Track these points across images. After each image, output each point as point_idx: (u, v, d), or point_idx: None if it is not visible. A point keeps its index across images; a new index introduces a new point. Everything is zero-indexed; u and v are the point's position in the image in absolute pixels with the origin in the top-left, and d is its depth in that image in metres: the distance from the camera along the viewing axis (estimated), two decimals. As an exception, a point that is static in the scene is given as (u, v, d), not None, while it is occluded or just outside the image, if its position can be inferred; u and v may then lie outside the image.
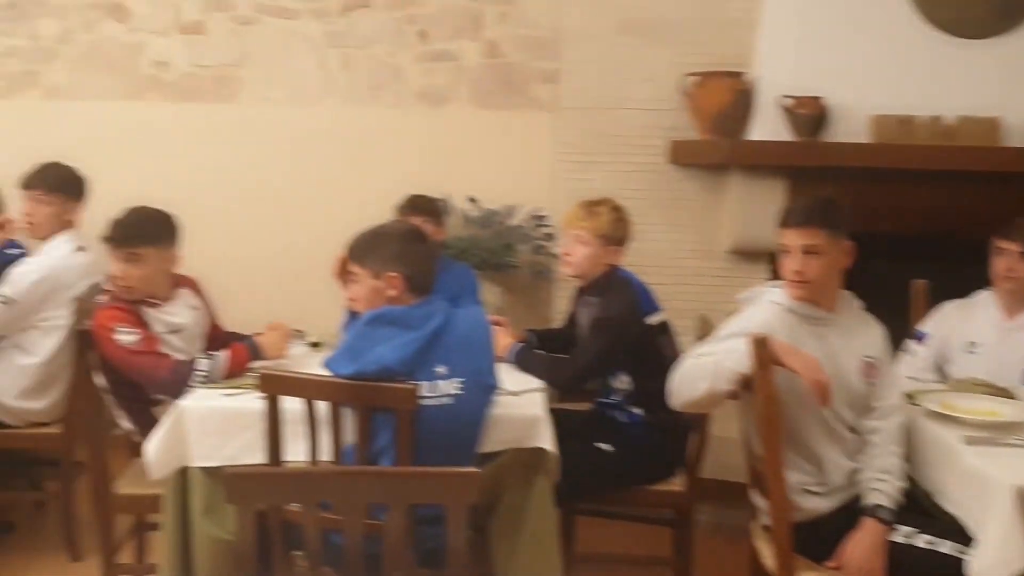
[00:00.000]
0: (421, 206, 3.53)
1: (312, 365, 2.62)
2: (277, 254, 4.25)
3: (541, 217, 4.11)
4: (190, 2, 4.22)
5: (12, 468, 3.46)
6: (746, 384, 2.33)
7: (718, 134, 3.92)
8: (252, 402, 2.41)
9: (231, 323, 3.22)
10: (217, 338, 3.09)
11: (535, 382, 2.72)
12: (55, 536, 3.32)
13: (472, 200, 4.11)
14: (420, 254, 2.38)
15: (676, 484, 2.87)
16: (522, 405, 2.52)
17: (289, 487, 1.70)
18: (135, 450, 2.79)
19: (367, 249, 2.37)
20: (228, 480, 1.63)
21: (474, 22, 4.21)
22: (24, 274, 3.11)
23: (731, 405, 2.56)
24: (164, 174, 4.12)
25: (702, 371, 2.37)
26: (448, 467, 1.76)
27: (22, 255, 3.39)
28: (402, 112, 4.25)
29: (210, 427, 2.49)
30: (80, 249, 3.25)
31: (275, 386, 2.27)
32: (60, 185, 3.26)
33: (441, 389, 2.24)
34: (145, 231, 2.81)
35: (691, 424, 2.82)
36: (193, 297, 3.05)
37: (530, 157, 4.19)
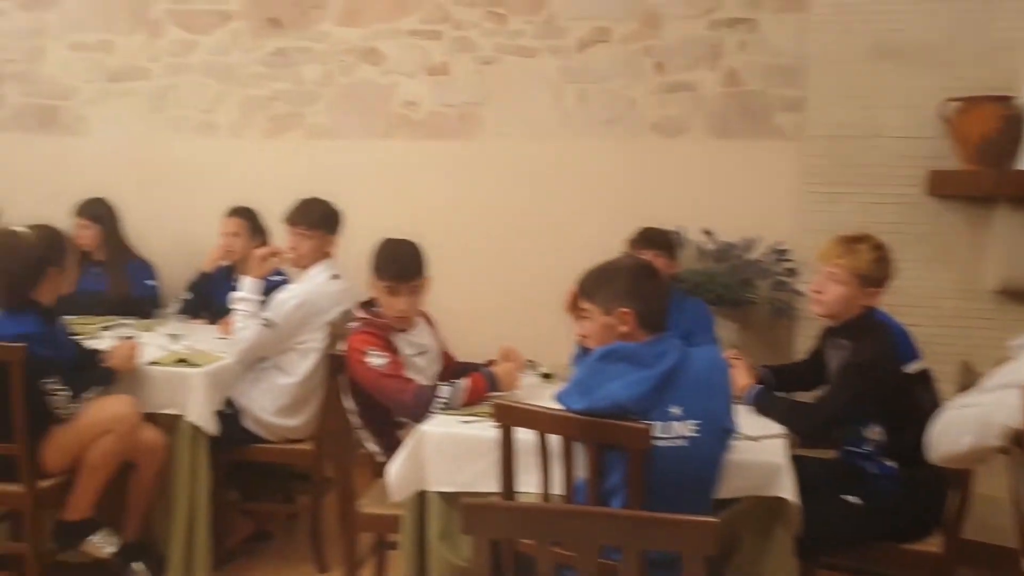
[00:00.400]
0: (653, 239, 3.50)
1: (543, 396, 2.65)
2: (513, 284, 4.34)
3: (783, 251, 3.94)
4: (437, 45, 4.43)
5: (269, 481, 3.72)
6: (1018, 440, 2.09)
7: (983, 163, 3.61)
8: (487, 431, 2.46)
9: (465, 350, 3.33)
10: (449, 367, 3.20)
11: (775, 427, 2.59)
12: (305, 547, 3.54)
13: (708, 233, 4.01)
14: (651, 290, 2.33)
15: (933, 544, 2.63)
16: (762, 451, 2.42)
17: (524, 522, 1.70)
18: (378, 470, 2.92)
19: (597, 285, 2.35)
20: (465, 511, 1.65)
21: (713, 51, 4.13)
22: (285, 300, 3.36)
23: (999, 459, 2.31)
24: (410, 208, 4.33)
25: (966, 424, 2.15)
26: (681, 511, 1.69)
27: (284, 282, 3.68)
28: (636, 144, 4.23)
29: (447, 453, 2.57)
30: (335, 277, 3.48)
31: (509, 417, 2.31)
32: (320, 221, 3.51)
33: (675, 430, 2.17)
34: (421, 264, 3.03)
35: (951, 480, 2.59)
36: (427, 326, 3.20)
37: (771, 188, 4.04)
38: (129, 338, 3.46)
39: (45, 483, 2.98)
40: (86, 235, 4.20)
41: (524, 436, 2.30)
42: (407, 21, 4.44)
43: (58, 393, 2.92)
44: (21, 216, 3.64)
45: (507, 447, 2.31)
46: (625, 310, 2.27)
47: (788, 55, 4.04)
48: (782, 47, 4.05)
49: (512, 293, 4.33)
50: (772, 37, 4.06)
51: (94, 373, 3.10)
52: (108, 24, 4.72)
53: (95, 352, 3.25)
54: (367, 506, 2.90)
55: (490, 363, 3.03)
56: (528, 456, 2.30)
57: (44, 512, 3.02)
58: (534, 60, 4.32)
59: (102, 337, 3.59)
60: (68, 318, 3.37)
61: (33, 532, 2.97)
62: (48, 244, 3.03)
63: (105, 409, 3.02)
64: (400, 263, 2.99)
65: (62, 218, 3.89)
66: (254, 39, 4.60)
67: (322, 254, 3.52)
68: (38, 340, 2.87)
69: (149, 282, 4.27)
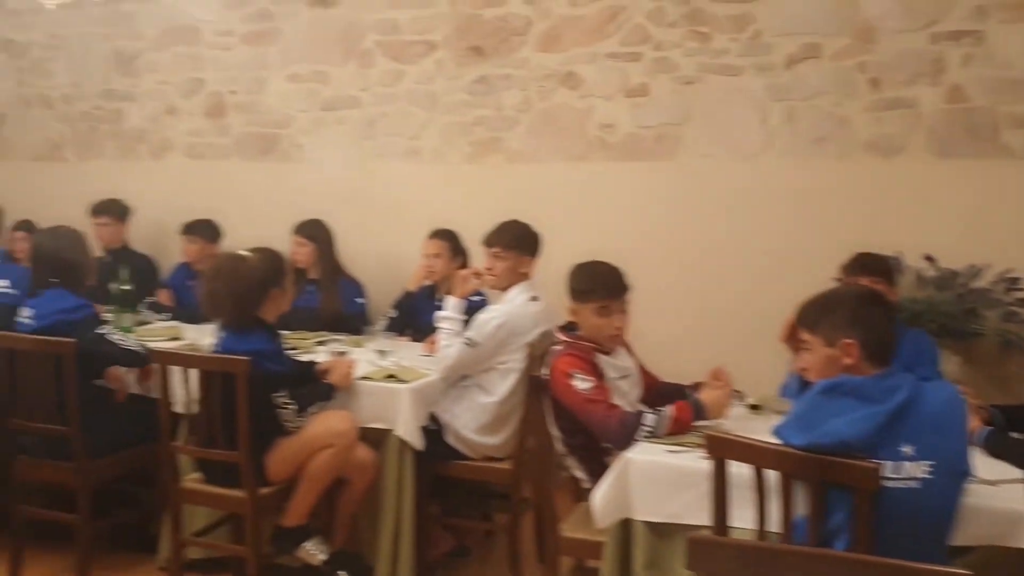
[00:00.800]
0: (869, 265, 3.32)
1: (751, 428, 2.56)
2: (713, 310, 4.24)
3: (1014, 280, 3.66)
4: (636, 66, 4.40)
5: (468, 497, 3.78)
6: None
7: None
8: (696, 461, 2.40)
9: (666, 375, 3.26)
10: (652, 387, 3.16)
11: (1014, 471, 2.38)
12: (502, 565, 3.57)
13: (929, 259, 3.78)
14: (878, 319, 2.22)
15: None
16: (1001, 497, 2.23)
17: (756, 561, 1.62)
18: (580, 494, 2.91)
19: (819, 315, 2.26)
20: (692, 546, 1.61)
21: (934, 66, 3.89)
22: (486, 320, 3.42)
23: None
24: (607, 229, 4.32)
25: None
26: (911, 558, 1.58)
27: (483, 303, 3.75)
28: (848, 164, 4.04)
29: (654, 482, 2.52)
30: (533, 299, 3.50)
31: (723, 450, 2.23)
32: (517, 243, 3.55)
33: (907, 471, 2.05)
34: (626, 281, 3.03)
35: None
36: (625, 349, 3.17)
37: (999, 211, 3.76)
38: (342, 354, 3.62)
39: (265, 490, 3.15)
40: (303, 253, 4.45)
41: (737, 469, 2.22)
42: (606, 44, 4.45)
43: (287, 407, 3.10)
44: (243, 238, 3.89)
45: (720, 480, 2.23)
46: (849, 341, 2.17)
47: (1019, 68, 3.76)
48: (1013, 59, 3.78)
49: (712, 319, 4.23)
50: (1001, 49, 3.79)
51: (317, 389, 3.26)
52: (323, 56, 5.00)
53: (310, 365, 3.42)
54: (569, 530, 2.88)
55: (696, 385, 2.96)
56: (740, 490, 2.21)
57: (263, 517, 3.20)
58: (738, 78, 4.21)
59: (316, 352, 3.78)
60: (284, 333, 3.56)
61: (253, 535, 3.14)
62: (270, 266, 3.21)
63: (328, 424, 3.17)
64: (608, 282, 2.99)
65: (280, 240, 4.12)
66: (457, 67, 4.73)
67: (519, 275, 3.54)
68: (268, 356, 3.06)
69: (358, 300, 4.46)
